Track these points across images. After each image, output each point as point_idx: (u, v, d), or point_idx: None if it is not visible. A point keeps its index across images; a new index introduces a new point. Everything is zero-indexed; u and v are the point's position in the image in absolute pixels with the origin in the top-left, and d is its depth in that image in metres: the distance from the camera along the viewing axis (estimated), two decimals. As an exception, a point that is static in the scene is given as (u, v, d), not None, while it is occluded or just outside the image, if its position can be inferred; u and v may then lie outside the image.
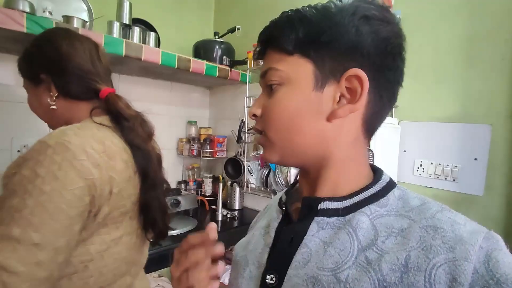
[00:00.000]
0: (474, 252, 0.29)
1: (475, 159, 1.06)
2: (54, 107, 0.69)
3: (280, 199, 0.46)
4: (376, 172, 0.41)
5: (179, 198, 1.50)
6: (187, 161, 1.93)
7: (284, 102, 0.38)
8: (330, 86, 0.37)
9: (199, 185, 1.85)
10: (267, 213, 0.50)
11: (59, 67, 0.68)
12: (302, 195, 0.42)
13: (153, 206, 0.70)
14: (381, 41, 0.36)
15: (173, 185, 1.82)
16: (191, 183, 1.83)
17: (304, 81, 0.37)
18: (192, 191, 1.78)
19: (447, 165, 1.12)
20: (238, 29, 1.60)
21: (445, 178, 1.12)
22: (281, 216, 0.43)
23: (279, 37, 0.38)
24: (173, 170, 1.88)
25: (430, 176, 1.16)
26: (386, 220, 0.35)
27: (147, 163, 0.69)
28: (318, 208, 0.38)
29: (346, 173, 0.39)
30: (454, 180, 1.10)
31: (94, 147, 0.60)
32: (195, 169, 1.91)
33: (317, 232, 0.37)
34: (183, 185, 1.83)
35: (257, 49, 0.43)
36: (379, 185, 0.38)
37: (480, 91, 1.06)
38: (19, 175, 0.55)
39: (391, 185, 0.39)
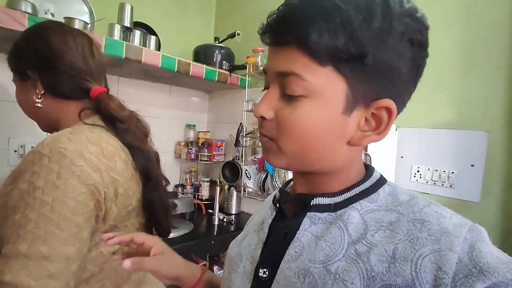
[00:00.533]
0: (458, 243, 0.30)
1: (472, 165, 1.07)
2: (40, 105, 0.66)
3: (274, 196, 0.47)
4: (368, 169, 0.42)
5: (176, 201, 1.50)
6: (185, 165, 1.93)
7: (309, 119, 0.34)
8: (358, 110, 0.35)
9: (196, 189, 1.84)
10: (261, 210, 0.51)
11: (48, 65, 0.64)
12: (296, 192, 0.42)
13: (156, 207, 0.70)
14: (413, 69, 0.34)
15: (170, 189, 1.81)
16: (188, 187, 1.82)
17: (334, 101, 0.34)
18: (189, 195, 1.78)
19: (444, 171, 1.12)
20: (238, 34, 1.62)
21: (442, 184, 1.12)
22: (274, 212, 0.44)
23: (313, 40, 0.31)
24: (170, 174, 1.87)
25: (427, 182, 1.16)
26: (376, 215, 0.36)
27: (148, 164, 0.68)
28: (311, 204, 0.39)
29: (344, 175, 0.40)
30: (451, 186, 1.11)
31: (91, 150, 0.58)
32: (193, 173, 1.91)
33: (309, 227, 0.38)
34: (180, 188, 1.83)
35: (270, 28, 0.35)
36: (370, 182, 0.39)
37: (477, 98, 1.07)
38: (17, 190, 0.53)
39: (381, 181, 0.40)
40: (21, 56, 0.66)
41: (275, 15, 0.34)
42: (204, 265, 1.25)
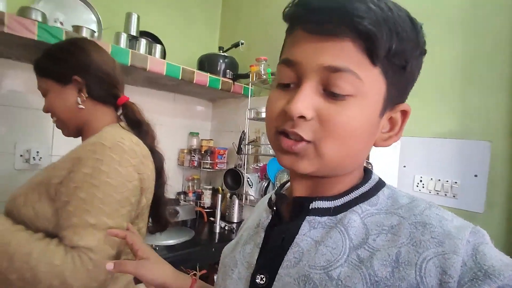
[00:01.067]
0: (462, 246, 0.29)
1: (475, 175, 1.05)
2: (82, 106, 0.76)
3: (270, 199, 0.45)
4: (366, 172, 0.41)
5: (177, 208, 1.50)
6: (187, 172, 1.94)
7: (357, 121, 0.32)
8: (386, 113, 0.36)
9: (199, 196, 1.84)
10: (255, 213, 0.50)
11: (91, 72, 0.76)
12: (293, 195, 0.41)
13: (161, 202, 0.82)
14: (417, 77, 0.37)
15: (172, 196, 1.81)
16: (190, 194, 1.82)
17: (376, 103, 0.34)
18: (191, 202, 1.77)
19: (447, 181, 1.11)
20: (242, 43, 1.65)
21: (445, 194, 1.11)
22: (270, 216, 0.43)
23: (376, 36, 0.30)
24: (173, 181, 1.85)
25: (430, 192, 1.15)
26: (377, 219, 0.35)
27: (161, 164, 0.81)
28: (310, 207, 0.38)
29: (345, 177, 0.39)
30: (454, 196, 1.09)
31: (137, 149, 0.72)
32: (195, 181, 1.91)
33: (309, 231, 0.37)
34: (182, 196, 1.83)
35: (315, 14, 0.31)
36: (369, 185, 0.39)
37: (479, 108, 1.07)
38: (79, 173, 0.64)
39: (380, 184, 0.39)
40: (65, 64, 0.76)
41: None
42: (194, 274, 1.25)
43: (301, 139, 0.33)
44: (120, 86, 0.83)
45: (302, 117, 0.32)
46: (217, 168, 1.82)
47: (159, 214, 0.83)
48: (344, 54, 0.31)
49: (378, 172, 1.16)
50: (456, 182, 1.09)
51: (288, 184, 0.47)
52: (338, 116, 0.32)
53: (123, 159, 0.66)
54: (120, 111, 0.83)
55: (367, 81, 0.32)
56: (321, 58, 0.32)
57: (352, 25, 0.30)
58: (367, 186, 0.38)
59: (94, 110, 0.78)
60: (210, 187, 1.86)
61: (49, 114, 0.81)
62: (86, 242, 0.60)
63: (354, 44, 0.31)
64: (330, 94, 0.32)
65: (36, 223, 0.66)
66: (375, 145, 0.37)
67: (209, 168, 1.81)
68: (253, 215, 0.50)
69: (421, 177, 1.18)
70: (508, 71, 1.01)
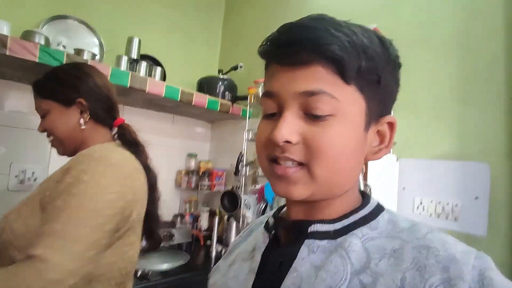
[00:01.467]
0: (468, 271, 0.28)
1: (476, 197, 1.04)
2: (84, 126, 0.80)
3: (267, 222, 0.44)
4: (364, 196, 0.40)
5: (173, 231, 1.46)
6: (185, 194, 1.91)
7: (341, 138, 0.33)
8: (372, 127, 0.37)
9: (196, 219, 1.80)
10: (251, 237, 0.48)
11: (94, 95, 0.81)
12: (291, 218, 0.40)
13: (153, 218, 0.83)
14: (397, 89, 0.38)
15: (168, 218, 1.78)
16: (187, 217, 1.78)
17: (358, 119, 0.35)
18: (188, 225, 1.73)
19: (447, 204, 1.09)
20: (240, 66, 1.68)
21: (446, 217, 1.09)
22: (268, 240, 0.41)
23: (343, 57, 0.32)
24: (169, 203, 1.84)
25: (430, 215, 1.13)
26: (377, 242, 0.34)
27: (155, 180, 0.84)
28: (309, 231, 0.37)
29: (343, 200, 0.38)
30: (455, 219, 1.07)
31: (128, 163, 0.74)
32: (193, 202, 1.88)
33: (308, 255, 0.36)
34: (179, 218, 1.79)
35: (286, 48, 0.34)
36: (369, 208, 0.38)
37: (477, 130, 1.07)
38: (64, 182, 0.65)
39: (380, 208, 0.38)
40: (71, 87, 0.80)
41: (286, 35, 0.34)
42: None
43: (293, 161, 0.34)
44: (118, 108, 0.88)
45: (288, 142, 0.33)
46: (215, 189, 1.80)
47: (151, 230, 0.84)
48: (317, 78, 0.33)
49: (377, 194, 1.14)
50: (456, 205, 1.07)
51: (286, 208, 0.45)
52: (322, 136, 0.33)
53: (107, 171, 0.67)
54: (114, 131, 0.87)
55: (343, 99, 0.33)
56: (296, 86, 0.34)
57: (319, 53, 0.32)
58: (367, 210, 0.38)
59: (93, 130, 0.81)
60: (208, 208, 1.82)
61: (45, 133, 0.81)
62: (41, 252, 0.57)
63: (324, 68, 0.33)
64: (311, 117, 0.34)
65: (28, 237, 0.65)
66: (366, 159, 0.38)
67: (206, 190, 1.79)
68: (249, 238, 0.49)
69: (421, 199, 1.16)
70: (504, 92, 1.02)
